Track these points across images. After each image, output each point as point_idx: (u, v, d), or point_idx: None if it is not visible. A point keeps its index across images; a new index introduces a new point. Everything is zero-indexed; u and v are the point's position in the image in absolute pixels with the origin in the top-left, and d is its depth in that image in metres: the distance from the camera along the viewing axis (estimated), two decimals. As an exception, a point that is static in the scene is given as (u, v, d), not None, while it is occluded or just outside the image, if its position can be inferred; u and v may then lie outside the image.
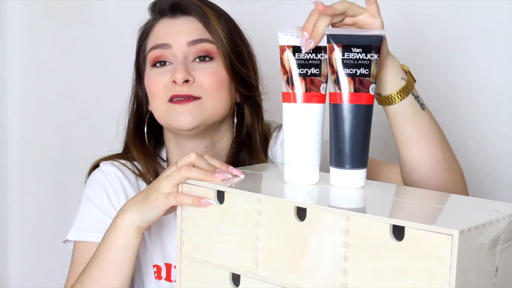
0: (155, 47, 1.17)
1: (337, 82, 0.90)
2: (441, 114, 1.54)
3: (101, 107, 1.94)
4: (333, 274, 0.80)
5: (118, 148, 1.29)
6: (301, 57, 0.91)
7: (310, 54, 0.91)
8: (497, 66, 1.47)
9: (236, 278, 0.90)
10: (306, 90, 0.91)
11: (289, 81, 0.91)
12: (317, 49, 0.92)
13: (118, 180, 1.20)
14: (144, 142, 1.22)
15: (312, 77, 0.91)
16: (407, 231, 0.73)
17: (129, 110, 1.26)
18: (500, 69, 1.46)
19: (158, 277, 1.18)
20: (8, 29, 2.00)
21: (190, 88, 1.13)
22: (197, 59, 1.15)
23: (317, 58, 0.92)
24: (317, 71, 0.92)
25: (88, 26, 1.93)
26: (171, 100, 1.13)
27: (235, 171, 0.97)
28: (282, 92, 0.93)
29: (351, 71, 0.90)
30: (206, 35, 1.16)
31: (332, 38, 0.90)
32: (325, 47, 0.91)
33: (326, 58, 0.92)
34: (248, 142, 1.20)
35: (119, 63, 1.91)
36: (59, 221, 1.99)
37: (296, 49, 0.91)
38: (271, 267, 0.86)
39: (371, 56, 0.90)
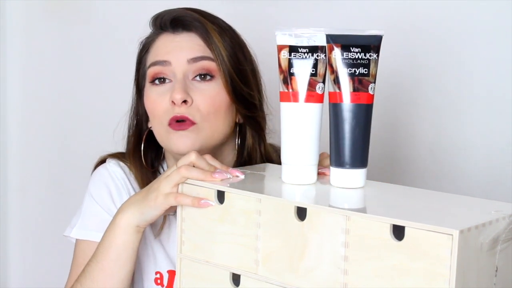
0: (154, 63, 1.13)
1: (336, 81, 0.90)
2: (441, 114, 1.54)
3: (101, 107, 1.94)
4: (333, 274, 0.80)
5: (121, 148, 1.28)
6: (297, 57, 0.92)
7: (307, 54, 0.92)
8: (497, 66, 1.46)
9: (236, 278, 0.90)
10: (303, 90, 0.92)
11: (286, 81, 0.92)
12: (313, 49, 0.92)
13: (122, 180, 1.20)
14: (142, 162, 1.19)
15: (309, 77, 0.92)
16: (407, 231, 0.73)
17: (129, 124, 1.23)
18: (500, 69, 1.46)
19: (160, 283, 1.18)
20: (8, 29, 2.00)
21: (188, 109, 1.09)
22: (198, 77, 1.11)
23: (313, 57, 0.92)
24: (313, 71, 0.92)
25: (88, 26, 1.93)
26: (170, 123, 1.10)
27: (235, 171, 0.97)
28: (280, 92, 0.93)
29: (350, 70, 0.90)
30: (207, 52, 1.12)
31: (331, 38, 0.90)
32: (322, 47, 0.92)
33: (322, 58, 0.92)
34: (248, 163, 1.17)
35: (119, 63, 1.91)
36: (59, 221, 1.99)
37: (292, 49, 0.91)
38: (271, 267, 0.86)
39: (370, 56, 0.91)
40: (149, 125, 1.19)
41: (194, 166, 0.97)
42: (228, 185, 0.92)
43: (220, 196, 0.92)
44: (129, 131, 1.23)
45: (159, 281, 1.18)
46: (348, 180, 0.91)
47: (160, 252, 1.18)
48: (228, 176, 0.96)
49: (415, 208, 0.83)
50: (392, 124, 1.56)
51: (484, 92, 1.49)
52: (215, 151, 1.14)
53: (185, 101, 1.09)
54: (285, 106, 0.93)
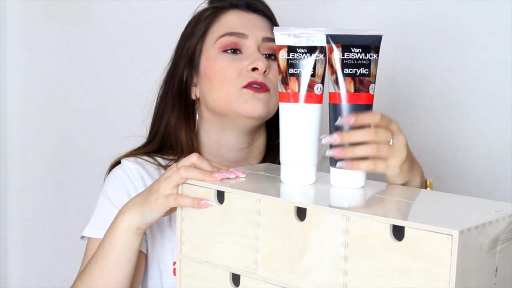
0: (230, 34, 1.18)
1: (337, 82, 0.90)
2: (441, 114, 1.54)
3: (101, 107, 1.94)
4: (333, 274, 0.80)
5: (121, 148, 1.28)
6: (296, 57, 0.91)
7: (305, 54, 0.92)
8: (497, 66, 1.47)
9: (236, 278, 0.90)
10: (299, 90, 0.92)
11: (284, 81, 0.92)
12: (312, 49, 0.92)
13: (139, 176, 1.19)
14: (193, 134, 1.22)
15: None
16: (407, 231, 0.73)
17: (167, 96, 1.24)
18: (500, 69, 1.46)
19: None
20: (8, 29, 2.00)
21: (265, 78, 1.15)
22: (265, 55, 1.18)
23: (312, 58, 0.92)
24: (312, 71, 0.92)
25: (88, 26, 1.93)
26: (246, 86, 1.14)
27: (236, 171, 0.97)
28: (279, 92, 0.93)
29: (351, 71, 0.90)
30: (273, 36, 1.19)
31: (331, 38, 0.90)
32: (320, 47, 0.92)
33: (321, 58, 0.92)
34: (277, 148, 1.20)
35: (119, 63, 1.91)
36: (59, 221, 1.99)
37: (291, 49, 0.91)
38: (271, 267, 0.86)
39: (370, 56, 0.91)
40: (197, 95, 1.21)
41: (195, 167, 0.97)
42: (228, 185, 0.92)
43: (220, 196, 0.92)
44: (171, 102, 1.24)
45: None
46: (348, 180, 0.91)
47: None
48: (228, 176, 0.96)
49: (415, 208, 0.83)
50: (392, 124, 1.56)
51: (484, 92, 1.49)
52: (259, 127, 1.21)
53: (265, 70, 1.15)
54: (284, 107, 0.93)
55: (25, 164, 2.05)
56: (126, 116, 1.88)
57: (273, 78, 1.16)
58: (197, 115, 1.23)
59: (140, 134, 1.26)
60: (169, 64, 1.27)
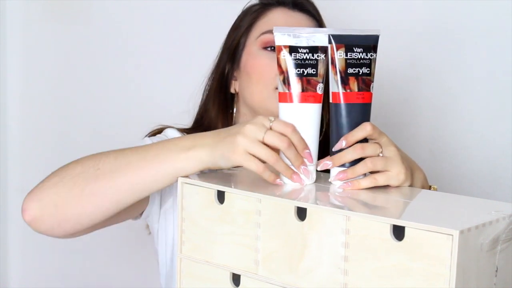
0: (272, 32, 1.16)
1: (341, 82, 0.90)
2: (441, 114, 1.54)
3: (101, 107, 1.94)
4: (333, 274, 0.80)
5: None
6: (297, 57, 0.91)
7: (307, 54, 0.92)
8: (497, 66, 1.47)
9: (236, 278, 0.90)
10: (303, 90, 0.91)
11: (286, 81, 0.92)
12: (314, 49, 0.92)
13: None
14: (229, 125, 1.20)
15: (308, 77, 0.92)
16: (407, 231, 0.73)
17: (210, 88, 1.25)
18: (500, 69, 1.46)
19: None
20: (8, 29, 2.00)
21: None
22: None
23: (314, 58, 0.92)
24: (313, 71, 0.92)
25: (88, 26, 1.93)
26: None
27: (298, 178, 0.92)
28: (279, 92, 0.93)
29: (354, 70, 0.90)
30: None
31: (334, 38, 0.90)
32: (322, 47, 0.92)
33: (322, 58, 0.92)
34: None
35: (120, 63, 1.91)
36: (59, 221, 1.99)
37: (292, 49, 0.91)
38: (271, 267, 0.86)
39: (371, 56, 0.91)
40: (236, 89, 1.22)
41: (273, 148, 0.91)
42: (230, 185, 0.92)
43: (220, 196, 0.92)
44: (212, 95, 1.24)
45: None
46: (348, 180, 0.91)
47: None
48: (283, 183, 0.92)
49: (415, 208, 0.83)
50: (392, 124, 1.56)
51: (484, 92, 1.49)
52: None
53: None
54: (284, 107, 0.93)
55: (25, 164, 2.05)
56: (127, 116, 1.88)
57: None
58: (235, 109, 1.23)
59: (144, 133, 1.26)
60: (217, 57, 1.27)
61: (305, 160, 0.92)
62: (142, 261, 1.80)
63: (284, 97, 0.92)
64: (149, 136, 1.22)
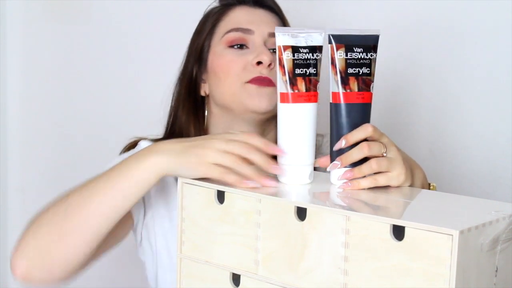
0: (236, 30, 1.19)
1: (341, 82, 0.90)
2: (441, 114, 1.54)
3: (101, 107, 1.94)
4: (333, 274, 0.80)
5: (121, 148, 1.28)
6: (299, 57, 0.92)
7: (308, 54, 0.92)
8: (497, 66, 1.47)
9: (236, 278, 0.90)
10: (306, 90, 0.92)
11: (290, 81, 0.92)
12: (313, 49, 0.92)
13: None
14: (201, 130, 1.22)
15: (310, 77, 0.92)
16: (407, 231, 0.73)
17: (179, 94, 1.25)
18: (500, 69, 1.46)
19: None
20: (8, 29, 2.00)
21: (270, 73, 1.16)
22: (271, 50, 1.18)
23: (314, 57, 0.92)
24: (314, 70, 0.92)
25: (88, 26, 1.93)
26: (251, 81, 1.15)
27: (267, 181, 0.92)
28: (280, 93, 0.93)
29: (354, 70, 0.91)
30: None
31: (334, 38, 0.91)
32: (320, 46, 0.92)
33: (320, 58, 0.92)
34: None
35: (119, 63, 1.91)
36: (59, 221, 1.99)
37: (295, 49, 0.91)
38: (271, 267, 0.86)
39: (371, 56, 0.91)
40: (206, 92, 1.22)
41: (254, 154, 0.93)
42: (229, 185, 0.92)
43: (220, 196, 0.92)
44: (180, 100, 1.24)
45: None
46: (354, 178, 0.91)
47: None
48: (258, 186, 0.91)
49: (415, 208, 0.83)
50: (392, 124, 1.56)
51: (484, 92, 1.49)
52: (269, 121, 1.20)
53: (270, 64, 1.15)
54: (287, 107, 0.92)
55: (25, 164, 2.05)
56: (127, 116, 1.88)
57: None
58: (206, 112, 1.24)
59: (142, 134, 1.26)
60: (183, 62, 1.28)
61: (280, 155, 0.93)
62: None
63: (287, 97, 0.92)
64: (123, 151, 1.24)
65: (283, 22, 1.25)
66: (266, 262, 0.86)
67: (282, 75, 0.92)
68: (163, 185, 1.16)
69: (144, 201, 1.17)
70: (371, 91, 0.92)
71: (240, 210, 0.89)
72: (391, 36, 1.52)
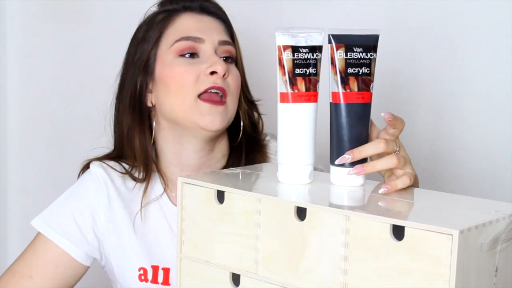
0: (186, 39, 1.16)
1: (341, 81, 0.90)
2: (441, 114, 1.54)
3: (101, 107, 1.94)
4: (333, 274, 0.80)
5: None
6: (299, 57, 0.91)
7: (308, 54, 0.92)
8: (497, 66, 1.47)
9: (236, 278, 0.90)
10: (306, 90, 0.92)
11: (290, 81, 0.92)
12: (313, 49, 0.92)
13: (104, 183, 1.19)
14: (147, 142, 1.18)
15: (310, 77, 0.92)
16: (407, 231, 0.73)
17: (122, 105, 1.21)
18: (499, 69, 1.46)
19: (145, 279, 1.17)
20: (8, 29, 2.00)
21: (224, 82, 1.14)
22: (222, 58, 1.17)
23: (314, 57, 0.92)
24: (314, 70, 0.92)
25: (88, 26, 1.93)
26: (205, 92, 1.12)
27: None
28: (280, 93, 0.93)
29: (354, 70, 0.90)
30: (229, 39, 1.20)
31: (334, 38, 0.90)
32: (319, 46, 0.92)
33: (320, 58, 0.92)
34: (240, 148, 1.22)
35: (120, 63, 1.91)
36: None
37: (294, 49, 0.91)
38: (271, 267, 0.86)
39: (371, 56, 0.91)
40: (153, 102, 1.18)
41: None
42: (229, 185, 0.92)
43: (220, 196, 0.92)
44: (124, 112, 1.20)
45: (143, 277, 1.17)
46: (348, 179, 0.91)
47: (141, 247, 1.18)
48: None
49: (415, 208, 0.83)
50: (392, 124, 1.56)
51: (484, 92, 1.49)
52: (220, 135, 1.19)
53: (224, 74, 1.14)
54: (286, 107, 0.92)
55: (25, 164, 2.05)
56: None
57: (232, 81, 1.15)
58: (154, 123, 1.19)
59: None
60: (121, 71, 1.24)
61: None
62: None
63: (287, 97, 0.92)
64: (78, 176, 1.24)
65: (230, 29, 1.22)
66: (266, 262, 0.86)
67: (282, 75, 0.92)
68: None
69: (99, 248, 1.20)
70: (371, 91, 0.92)
71: (240, 210, 0.89)
72: (391, 36, 1.52)
